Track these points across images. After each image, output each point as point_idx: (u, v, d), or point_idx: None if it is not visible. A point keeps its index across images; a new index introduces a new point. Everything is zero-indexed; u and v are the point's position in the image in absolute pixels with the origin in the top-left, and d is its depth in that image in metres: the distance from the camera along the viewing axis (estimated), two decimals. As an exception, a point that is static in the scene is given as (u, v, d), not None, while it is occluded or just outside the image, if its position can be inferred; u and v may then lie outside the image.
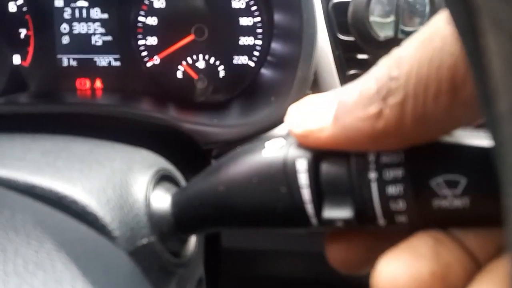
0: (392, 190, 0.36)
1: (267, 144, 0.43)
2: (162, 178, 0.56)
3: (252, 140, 0.79)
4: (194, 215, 0.49)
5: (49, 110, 0.83)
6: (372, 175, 0.37)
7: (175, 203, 0.51)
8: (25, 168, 0.47)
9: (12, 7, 0.91)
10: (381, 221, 0.38)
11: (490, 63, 0.18)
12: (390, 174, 0.36)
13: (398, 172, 0.36)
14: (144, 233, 0.49)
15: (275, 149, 0.42)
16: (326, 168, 0.39)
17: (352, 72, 0.84)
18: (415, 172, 0.35)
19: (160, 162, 0.58)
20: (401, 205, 0.36)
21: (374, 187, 0.37)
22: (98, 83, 0.93)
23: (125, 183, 0.51)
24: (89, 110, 0.83)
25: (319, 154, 0.40)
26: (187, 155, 0.81)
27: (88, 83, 0.93)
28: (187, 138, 0.79)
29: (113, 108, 0.83)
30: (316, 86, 0.84)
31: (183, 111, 0.87)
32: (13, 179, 0.46)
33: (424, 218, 0.36)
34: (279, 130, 0.79)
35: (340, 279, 0.86)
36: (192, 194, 0.49)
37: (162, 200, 0.53)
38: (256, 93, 0.88)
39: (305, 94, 0.79)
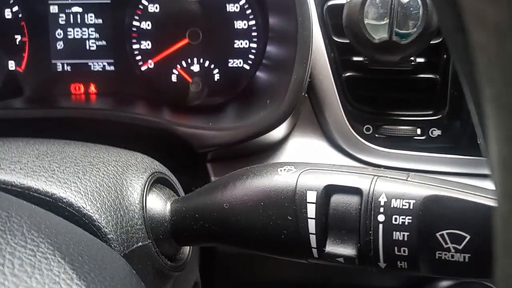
0: (398, 235, 0.37)
1: (280, 170, 0.44)
2: (157, 182, 0.56)
3: (248, 142, 0.79)
4: (193, 227, 0.49)
5: (44, 114, 0.83)
6: (381, 217, 0.38)
7: (174, 212, 0.51)
8: (20, 171, 0.47)
9: (7, 14, 0.91)
10: (382, 263, 0.39)
11: (475, 57, 0.19)
12: (398, 219, 0.37)
13: (406, 219, 0.37)
14: (139, 237, 0.49)
15: (287, 176, 0.43)
16: (335, 203, 0.40)
17: (347, 74, 0.84)
18: (423, 222, 0.37)
19: (155, 166, 0.58)
20: (404, 251, 0.37)
21: (380, 230, 0.38)
22: (93, 88, 0.93)
23: (120, 186, 0.51)
24: (83, 114, 0.83)
25: (331, 188, 0.41)
26: (182, 158, 0.81)
27: (82, 88, 0.93)
28: (182, 141, 0.79)
29: (108, 112, 0.83)
30: (311, 88, 0.84)
31: (178, 115, 0.87)
32: (9, 182, 0.46)
33: (424, 266, 0.37)
34: (276, 132, 0.79)
35: (336, 284, 0.86)
36: (193, 205, 0.49)
37: (158, 205, 0.52)
38: (252, 96, 0.88)
39: (300, 97, 0.79)
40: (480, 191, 0.37)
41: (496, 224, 0.21)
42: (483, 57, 0.19)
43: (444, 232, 0.36)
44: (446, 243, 0.36)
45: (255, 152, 0.84)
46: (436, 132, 0.85)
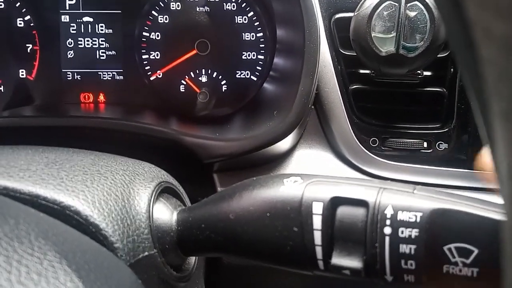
0: (404, 248, 0.37)
1: (286, 181, 0.44)
2: (164, 191, 0.56)
3: (254, 153, 0.79)
4: (199, 238, 0.49)
5: (53, 123, 0.84)
6: (388, 230, 0.38)
7: (180, 221, 0.51)
8: (29, 179, 0.48)
9: (20, 23, 0.92)
10: (389, 277, 0.39)
11: (483, 72, 0.19)
12: (405, 232, 0.37)
13: (413, 232, 0.37)
14: (145, 246, 0.49)
15: (293, 187, 0.43)
16: (341, 214, 0.40)
17: (354, 86, 0.85)
18: (430, 236, 0.36)
19: (162, 175, 0.59)
20: (411, 264, 0.37)
21: (387, 243, 0.38)
22: (102, 97, 0.94)
23: (127, 195, 0.51)
24: (92, 123, 0.84)
25: (337, 200, 0.41)
26: (189, 168, 0.81)
27: (91, 97, 0.94)
28: (189, 151, 0.79)
29: (116, 122, 0.83)
30: (318, 100, 0.85)
31: (185, 125, 0.87)
32: (18, 189, 0.46)
33: (431, 281, 0.37)
34: (283, 143, 0.79)
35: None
36: (199, 215, 0.49)
37: (165, 214, 0.53)
38: (259, 108, 0.89)
39: (307, 109, 0.79)
40: (488, 204, 0.37)
41: (504, 237, 0.21)
42: (492, 72, 0.19)
43: (452, 245, 0.36)
44: (454, 257, 0.36)
45: (261, 163, 0.85)
46: (443, 146, 0.84)
